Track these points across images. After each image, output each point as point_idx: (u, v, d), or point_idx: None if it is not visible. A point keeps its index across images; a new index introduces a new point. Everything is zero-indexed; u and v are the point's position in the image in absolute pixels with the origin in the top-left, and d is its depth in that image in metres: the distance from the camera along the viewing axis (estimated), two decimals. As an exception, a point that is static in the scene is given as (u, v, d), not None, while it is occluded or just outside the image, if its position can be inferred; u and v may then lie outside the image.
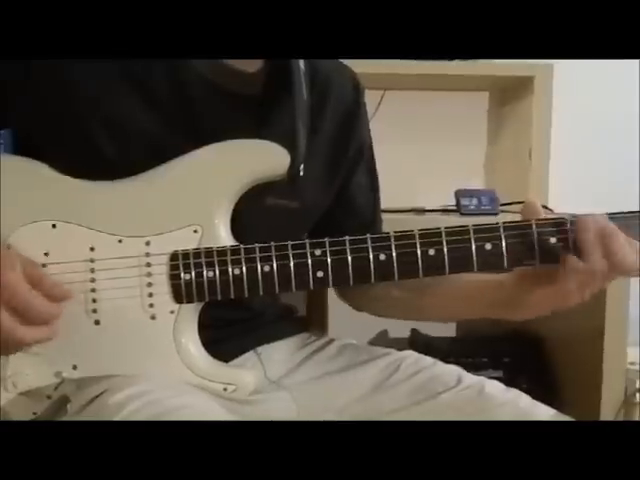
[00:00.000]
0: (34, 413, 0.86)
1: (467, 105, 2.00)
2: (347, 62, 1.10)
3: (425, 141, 1.99)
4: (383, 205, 1.28)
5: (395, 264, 0.84)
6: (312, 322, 1.21)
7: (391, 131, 1.86)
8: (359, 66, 1.09)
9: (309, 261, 0.84)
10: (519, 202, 1.75)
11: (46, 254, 0.85)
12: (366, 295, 1.06)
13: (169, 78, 0.91)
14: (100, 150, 0.88)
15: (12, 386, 0.85)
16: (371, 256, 0.84)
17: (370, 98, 1.15)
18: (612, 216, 0.82)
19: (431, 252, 0.83)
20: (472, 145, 2.02)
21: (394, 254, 0.83)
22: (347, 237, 0.84)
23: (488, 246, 0.83)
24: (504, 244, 0.83)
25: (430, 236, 0.84)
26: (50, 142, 0.89)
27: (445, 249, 0.83)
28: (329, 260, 0.84)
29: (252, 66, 0.97)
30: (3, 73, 0.87)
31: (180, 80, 0.92)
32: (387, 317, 1.09)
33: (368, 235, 0.84)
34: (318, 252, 0.84)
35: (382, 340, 1.78)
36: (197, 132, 0.90)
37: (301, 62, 0.98)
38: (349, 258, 0.84)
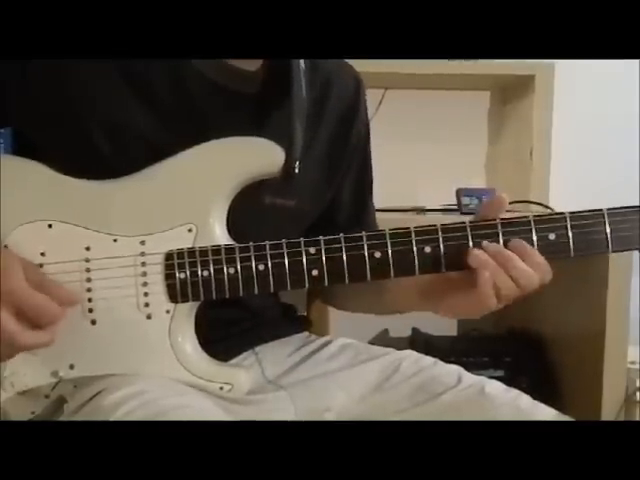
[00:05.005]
0: (32, 412, 0.86)
1: (468, 104, 2.00)
2: (348, 61, 1.09)
3: (426, 140, 1.98)
4: (384, 205, 1.28)
5: (391, 262, 0.83)
6: (313, 321, 1.20)
7: (392, 130, 1.86)
8: (360, 65, 1.09)
9: (304, 259, 0.84)
10: (520, 201, 1.76)
11: (42, 254, 0.84)
12: (341, 295, 1.11)
13: (169, 77, 0.91)
14: (99, 149, 0.88)
15: (10, 386, 0.85)
16: (366, 254, 0.83)
17: (371, 97, 1.15)
18: (611, 211, 0.82)
19: (427, 249, 0.83)
20: (473, 144, 2.02)
21: (390, 252, 0.83)
22: (342, 235, 0.84)
23: (485, 244, 0.82)
24: (502, 242, 0.82)
25: (426, 233, 0.83)
26: (49, 141, 0.89)
27: (441, 246, 0.83)
28: (324, 258, 0.83)
29: (253, 65, 0.97)
30: (3, 73, 0.87)
31: (180, 78, 0.92)
32: (357, 312, 1.14)
33: (363, 233, 0.84)
34: (313, 250, 0.83)
35: (383, 339, 1.78)
36: (197, 130, 0.90)
37: (301, 61, 0.98)
38: (344, 256, 0.83)
